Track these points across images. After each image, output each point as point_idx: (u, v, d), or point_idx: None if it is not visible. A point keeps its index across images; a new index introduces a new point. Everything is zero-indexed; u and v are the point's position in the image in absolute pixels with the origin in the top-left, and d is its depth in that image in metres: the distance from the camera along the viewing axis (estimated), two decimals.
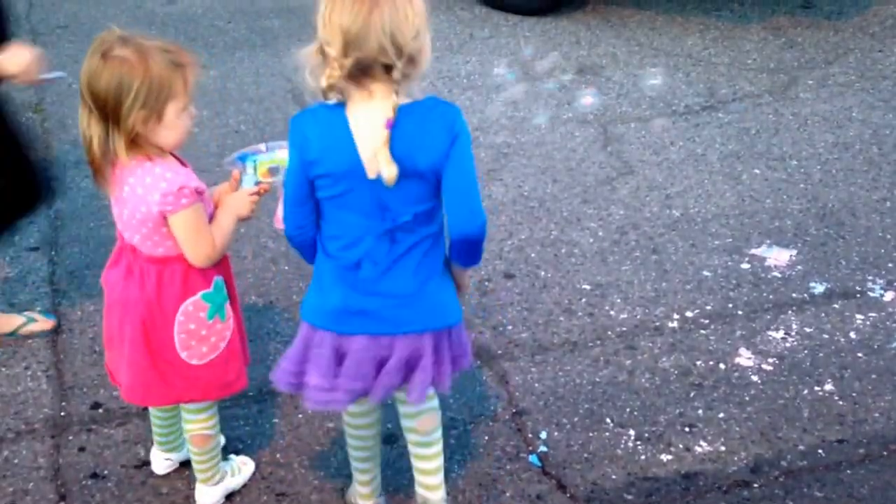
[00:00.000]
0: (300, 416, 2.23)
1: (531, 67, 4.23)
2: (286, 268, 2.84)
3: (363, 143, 1.54)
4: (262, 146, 1.85)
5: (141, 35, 1.67)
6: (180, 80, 1.65)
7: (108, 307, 1.83)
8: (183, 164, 1.77)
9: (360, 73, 1.50)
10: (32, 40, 4.69)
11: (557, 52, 4.28)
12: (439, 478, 1.89)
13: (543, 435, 2.19)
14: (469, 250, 1.66)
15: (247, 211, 1.81)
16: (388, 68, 1.50)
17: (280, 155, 1.82)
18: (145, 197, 1.66)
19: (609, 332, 2.52)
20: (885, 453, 2.13)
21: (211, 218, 1.77)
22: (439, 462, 1.88)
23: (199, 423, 1.92)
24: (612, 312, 2.61)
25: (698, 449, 2.15)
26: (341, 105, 1.56)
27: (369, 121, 1.53)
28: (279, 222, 1.82)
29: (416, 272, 1.64)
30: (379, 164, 1.52)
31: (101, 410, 2.27)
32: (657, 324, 2.56)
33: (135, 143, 1.65)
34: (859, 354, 2.44)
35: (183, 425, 1.96)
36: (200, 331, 1.78)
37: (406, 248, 1.62)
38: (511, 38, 4.62)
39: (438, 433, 1.87)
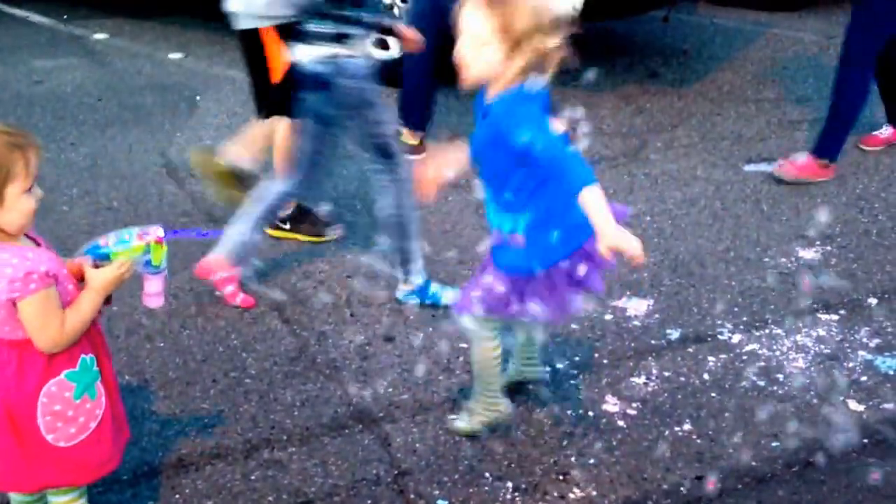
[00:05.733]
0: (177, 496, 2.22)
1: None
2: (161, 345, 2.83)
3: None
4: (112, 237, 1.83)
5: None
6: (21, 162, 1.64)
7: None
8: (37, 243, 1.76)
9: None
10: None
11: (430, 122, 4.46)
12: None
13: (426, 494, 2.26)
14: None
15: (113, 288, 1.81)
16: None
17: (134, 245, 1.82)
18: None
19: None
20: (739, 486, 2.30)
21: (71, 296, 1.76)
22: None
23: None
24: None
25: (572, 495, 2.26)
26: None
27: None
28: (148, 300, 1.89)
29: None
30: None
31: None
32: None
33: None
34: (713, 394, 2.63)
35: None
36: (67, 411, 1.76)
37: None
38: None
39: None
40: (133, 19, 6.56)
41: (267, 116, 3.34)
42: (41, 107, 4.79)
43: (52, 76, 5.37)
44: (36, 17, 6.79)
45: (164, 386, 2.62)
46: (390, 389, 2.63)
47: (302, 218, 3.47)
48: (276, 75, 3.14)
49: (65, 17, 6.72)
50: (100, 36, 6.19)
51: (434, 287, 3.07)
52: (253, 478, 2.29)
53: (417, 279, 3.04)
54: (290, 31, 2.81)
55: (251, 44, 3.20)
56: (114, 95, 5.04)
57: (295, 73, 2.79)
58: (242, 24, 3.21)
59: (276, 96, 3.16)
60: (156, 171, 4.11)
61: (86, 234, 3.32)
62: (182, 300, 3.07)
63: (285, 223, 3.46)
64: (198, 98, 5.01)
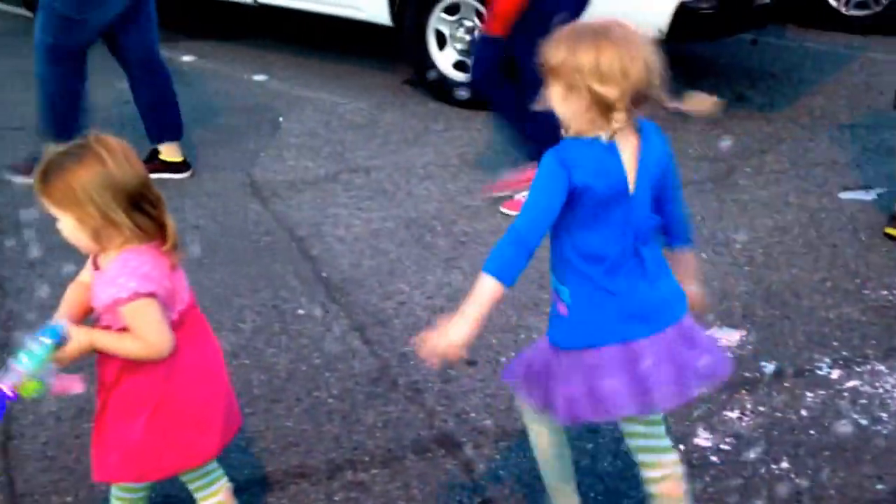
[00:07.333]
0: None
1: (484, 157, 4.37)
2: (247, 362, 2.84)
3: (628, 166, 1.75)
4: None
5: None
6: None
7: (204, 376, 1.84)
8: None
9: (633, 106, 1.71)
10: None
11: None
12: None
13: None
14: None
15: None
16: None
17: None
18: None
19: None
20: None
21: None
22: None
23: None
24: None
25: None
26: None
27: (628, 147, 1.75)
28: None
29: (660, 272, 1.85)
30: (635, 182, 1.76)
31: None
32: None
33: None
34: (812, 431, 2.51)
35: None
36: None
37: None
38: (464, 131, 4.78)
39: None
40: (218, 42, 6.71)
41: None
42: (132, 127, 4.90)
43: None
44: None
45: (249, 403, 2.62)
46: (473, 414, 2.58)
47: None
48: None
49: None
50: (187, 58, 6.34)
51: None
52: (336, 499, 2.26)
53: None
54: None
55: None
56: (200, 116, 5.14)
57: None
58: None
59: None
60: (241, 190, 4.17)
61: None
62: (266, 317, 3.09)
63: None
64: (281, 119, 5.08)
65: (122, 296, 1.68)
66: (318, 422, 2.55)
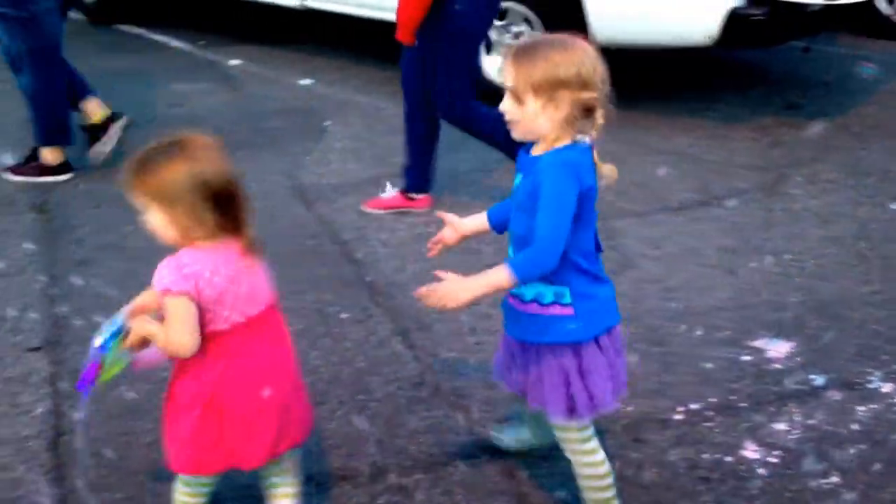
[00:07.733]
0: None
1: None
2: None
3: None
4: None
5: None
6: None
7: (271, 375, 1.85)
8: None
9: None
10: None
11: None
12: None
13: None
14: None
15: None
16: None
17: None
18: None
19: (615, 425, 2.53)
20: None
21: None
22: None
23: None
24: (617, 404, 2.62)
25: None
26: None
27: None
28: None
29: None
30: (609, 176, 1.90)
31: None
32: (663, 416, 2.58)
33: None
34: (863, 446, 2.45)
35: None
36: None
37: None
38: None
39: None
40: (265, 46, 6.79)
41: None
42: (179, 129, 5.00)
43: (189, 100, 5.60)
44: (175, 43, 7.11)
45: None
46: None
47: None
48: None
49: (201, 42, 7.00)
50: (234, 62, 6.43)
51: None
52: (379, 502, 2.26)
53: None
54: None
55: None
56: (246, 119, 5.21)
57: None
58: None
59: None
60: (283, 192, 4.20)
61: None
62: (309, 320, 3.10)
63: None
64: (326, 123, 5.12)
65: (158, 289, 1.73)
66: (360, 425, 2.55)
